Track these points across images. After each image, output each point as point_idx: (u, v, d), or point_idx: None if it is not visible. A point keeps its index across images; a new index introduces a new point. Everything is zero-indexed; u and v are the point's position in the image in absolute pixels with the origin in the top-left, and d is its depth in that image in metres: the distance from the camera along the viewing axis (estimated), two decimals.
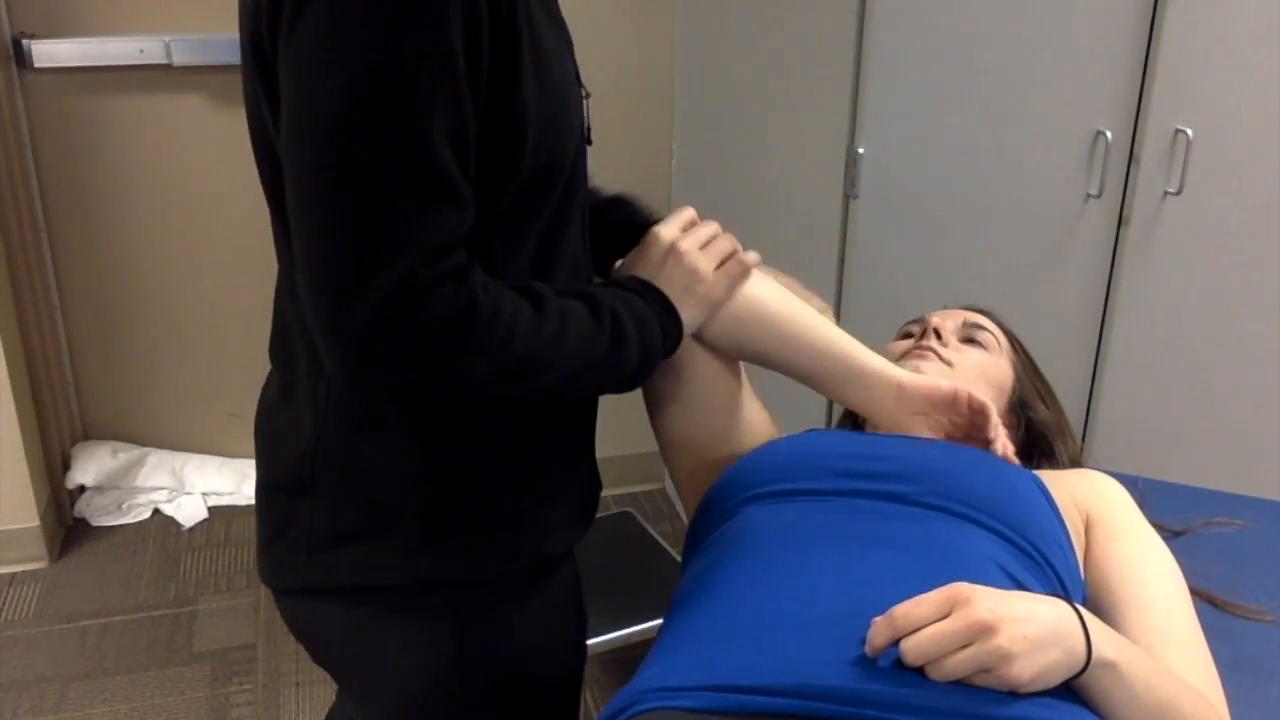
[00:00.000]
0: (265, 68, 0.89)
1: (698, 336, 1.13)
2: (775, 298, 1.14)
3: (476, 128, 0.87)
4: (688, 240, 1.09)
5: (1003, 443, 1.13)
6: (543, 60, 0.91)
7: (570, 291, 0.99)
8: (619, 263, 1.13)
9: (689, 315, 1.07)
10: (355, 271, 0.83)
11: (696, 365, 1.15)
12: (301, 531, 1.01)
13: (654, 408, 1.20)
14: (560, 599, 1.10)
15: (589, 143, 1.06)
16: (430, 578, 0.99)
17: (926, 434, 1.15)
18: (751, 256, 1.12)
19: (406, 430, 0.97)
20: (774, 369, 1.17)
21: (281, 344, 1.05)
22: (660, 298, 1.05)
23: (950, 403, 1.14)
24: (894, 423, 1.15)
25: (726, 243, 1.11)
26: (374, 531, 0.99)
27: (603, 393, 1.04)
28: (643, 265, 1.09)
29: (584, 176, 1.05)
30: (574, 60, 1.02)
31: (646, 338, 1.01)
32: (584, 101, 1.03)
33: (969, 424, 1.15)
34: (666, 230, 1.10)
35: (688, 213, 1.13)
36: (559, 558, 1.08)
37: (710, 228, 1.12)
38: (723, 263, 1.10)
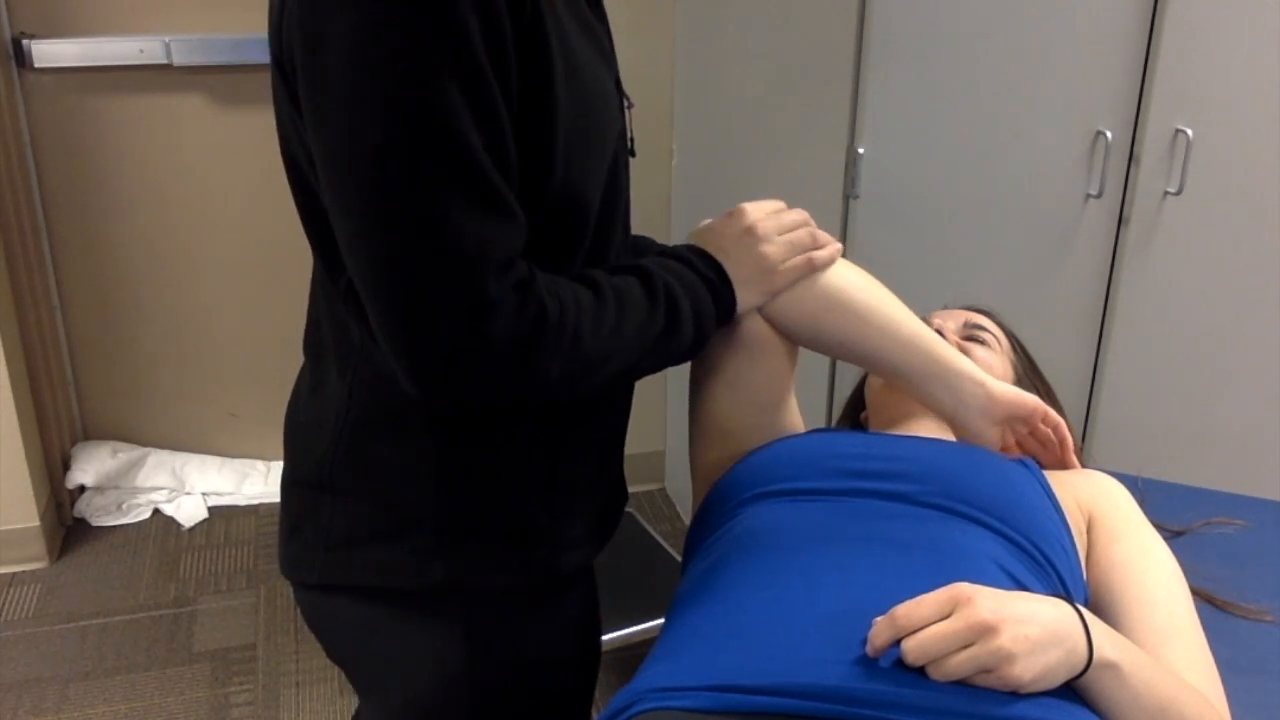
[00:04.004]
0: (292, 90, 0.87)
1: (775, 320, 1.11)
2: (862, 287, 1.11)
3: (514, 142, 0.85)
4: (768, 224, 1.07)
5: (1071, 459, 1.16)
6: (573, 68, 0.89)
7: (623, 267, 0.97)
8: (699, 225, 1.11)
9: (745, 297, 1.06)
10: (423, 299, 0.82)
11: (756, 356, 1.13)
12: (320, 528, 1.01)
13: (701, 390, 1.17)
14: (574, 613, 1.09)
15: (632, 154, 1.04)
16: (442, 583, 0.98)
17: (998, 443, 1.15)
18: (825, 254, 1.10)
19: (427, 434, 0.96)
20: (853, 360, 1.14)
21: (314, 336, 1.04)
22: (718, 269, 1.03)
23: (1027, 417, 1.14)
24: (975, 428, 1.14)
25: (806, 235, 1.09)
26: (389, 533, 0.98)
27: (659, 369, 1.02)
28: (715, 236, 1.07)
29: (626, 188, 1.03)
30: (613, 70, 0.99)
31: (700, 312, 1.00)
32: (627, 112, 1.01)
33: (1040, 442, 1.16)
34: (752, 208, 1.08)
35: (776, 202, 1.11)
36: (575, 572, 1.07)
37: (796, 215, 1.10)
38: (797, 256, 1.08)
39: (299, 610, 1.09)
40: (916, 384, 1.13)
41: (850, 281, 1.11)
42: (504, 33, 0.82)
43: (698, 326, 1.01)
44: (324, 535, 1.01)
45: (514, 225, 0.86)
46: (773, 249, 1.06)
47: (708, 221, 1.10)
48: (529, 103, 0.86)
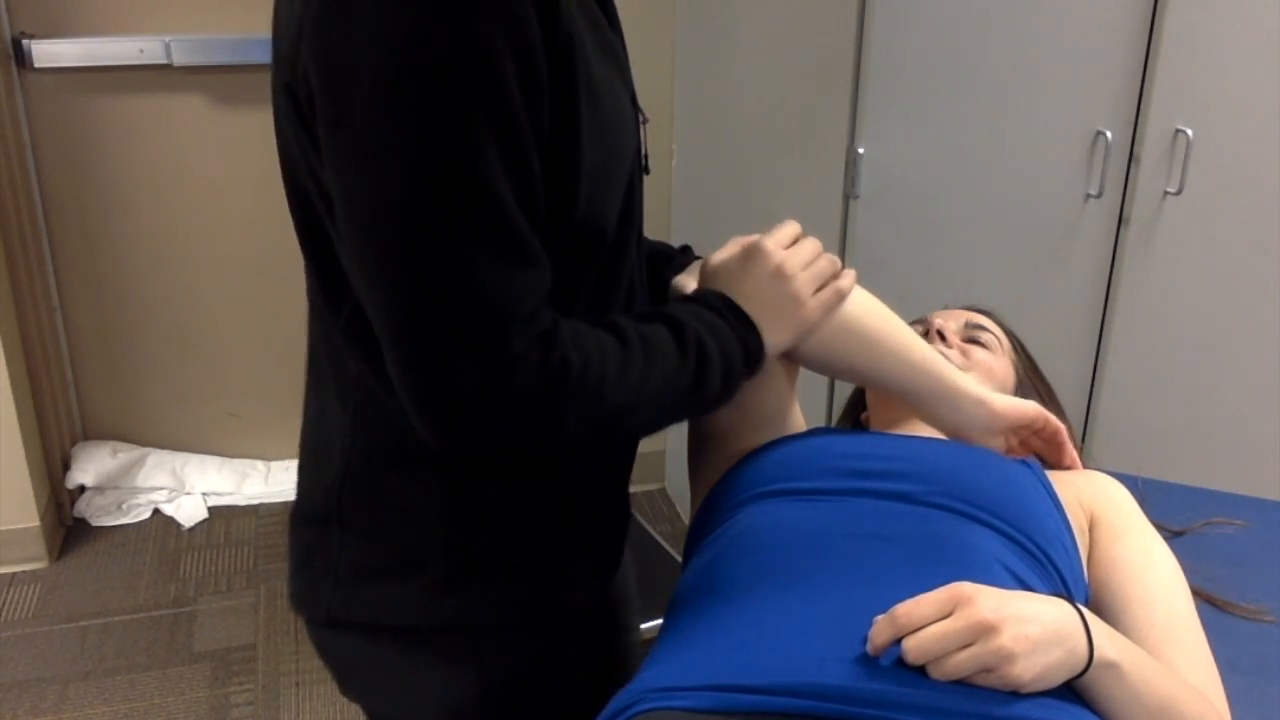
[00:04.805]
0: (307, 123, 0.84)
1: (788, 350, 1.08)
2: (871, 312, 1.09)
3: (541, 184, 0.83)
4: (793, 261, 1.03)
5: (1072, 459, 1.16)
6: (596, 96, 0.86)
7: (653, 315, 0.94)
8: (714, 261, 1.06)
9: (778, 339, 1.02)
10: (445, 353, 0.80)
11: (758, 379, 1.08)
12: (327, 563, 0.99)
13: None
14: (588, 646, 1.07)
15: (647, 171, 1.01)
16: (453, 621, 0.97)
17: (1001, 449, 1.14)
18: (846, 281, 1.07)
19: (436, 472, 0.94)
20: (859, 383, 1.14)
21: (314, 366, 1.02)
22: (745, 319, 0.99)
23: (1028, 425, 1.14)
24: (977, 441, 1.13)
25: (827, 264, 1.06)
26: (398, 571, 0.96)
27: (685, 419, 0.99)
28: (740, 279, 1.02)
29: (640, 205, 0.99)
30: (629, 86, 0.96)
31: (730, 365, 0.97)
32: (642, 127, 0.98)
33: (1040, 445, 1.16)
34: (773, 245, 1.03)
35: (792, 228, 1.07)
36: (587, 606, 1.05)
37: (811, 246, 1.06)
38: (821, 287, 1.05)
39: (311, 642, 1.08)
40: (921, 403, 1.12)
41: (862, 307, 1.09)
42: (539, 74, 0.79)
43: (726, 379, 0.97)
44: (332, 570, 0.98)
45: (539, 274, 0.83)
46: (803, 286, 1.03)
47: (722, 256, 1.06)
48: (554, 140, 0.83)
